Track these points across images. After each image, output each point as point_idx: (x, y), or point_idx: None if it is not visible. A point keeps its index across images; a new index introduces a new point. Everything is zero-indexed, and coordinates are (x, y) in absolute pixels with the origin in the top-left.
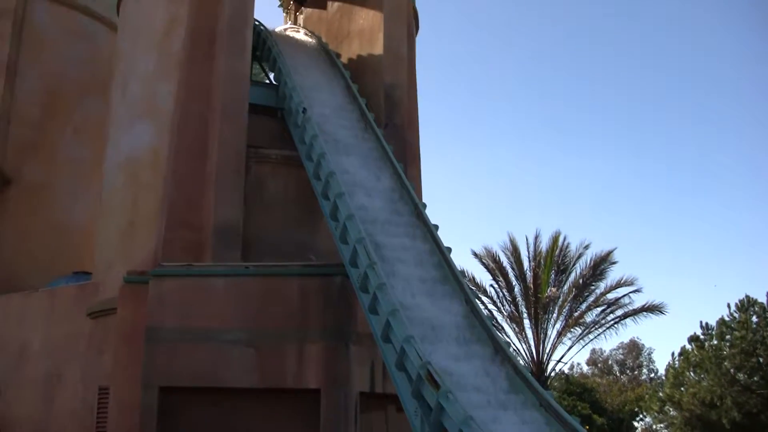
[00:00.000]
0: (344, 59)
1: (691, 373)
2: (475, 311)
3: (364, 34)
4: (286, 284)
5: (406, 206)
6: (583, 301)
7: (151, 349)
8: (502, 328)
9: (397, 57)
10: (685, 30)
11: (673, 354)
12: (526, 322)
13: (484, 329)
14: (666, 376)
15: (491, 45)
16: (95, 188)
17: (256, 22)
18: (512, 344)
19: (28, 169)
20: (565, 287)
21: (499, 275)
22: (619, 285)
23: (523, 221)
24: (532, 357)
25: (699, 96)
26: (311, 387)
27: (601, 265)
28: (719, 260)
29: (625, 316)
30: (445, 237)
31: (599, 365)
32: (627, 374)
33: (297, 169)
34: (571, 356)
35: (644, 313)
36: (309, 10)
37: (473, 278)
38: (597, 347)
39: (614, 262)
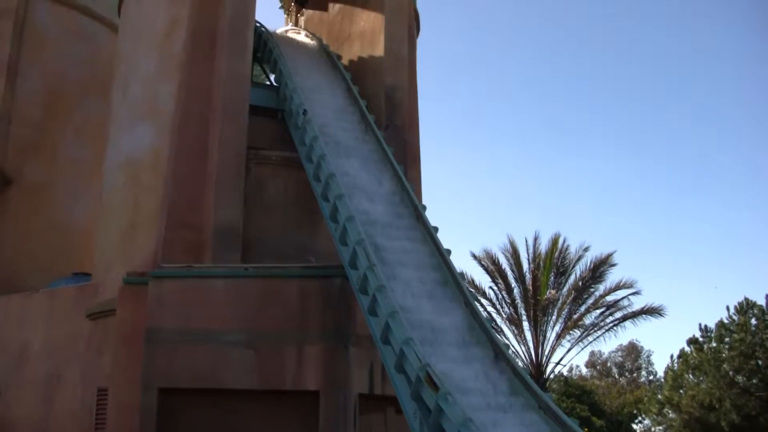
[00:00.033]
0: (345, 61)
1: (690, 376)
2: (474, 314)
3: (365, 35)
4: (286, 286)
5: (406, 209)
6: (582, 303)
7: (151, 351)
8: (502, 330)
9: (398, 58)
10: (685, 30)
11: (672, 356)
12: (525, 325)
13: (483, 332)
14: (665, 378)
15: (492, 46)
16: (96, 189)
17: (257, 24)
18: (511, 346)
19: (28, 169)
20: (565, 289)
21: (499, 277)
22: (618, 287)
23: (523, 223)
24: (531, 359)
25: (699, 96)
26: (310, 389)
27: (600, 267)
28: (718, 262)
29: (624, 318)
30: (445, 239)
31: (598, 367)
32: (626, 376)
33: (297, 171)
34: (570, 358)
35: (643, 315)
36: (310, 11)
37: (472, 281)
38: (596, 349)
39: (613, 264)
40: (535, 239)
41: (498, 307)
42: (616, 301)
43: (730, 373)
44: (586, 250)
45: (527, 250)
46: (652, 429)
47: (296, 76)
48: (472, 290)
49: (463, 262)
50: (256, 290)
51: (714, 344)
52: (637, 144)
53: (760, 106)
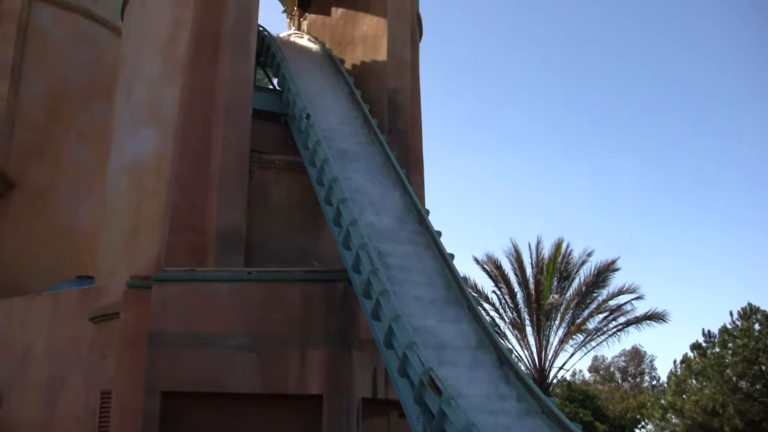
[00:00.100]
0: (348, 65)
1: (693, 381)
2: (478, 319)
3: (368, 39)
4: (289, 290)
5: (409, 213)
6: (586, 308)
7: (154, 354)
8: (505, 335)
9: (401, 62)
10: (688, 32)
11: (675, 361)
12: (529, 329)
13: (487, 337)
14: (668, 383)
15: (495, 49)
16: (99, 192)
17: (260, 28)
18: (514, 351)
19: (32, 173)
20: (568, 294)
21: (502, 282)
22: (621, 292)
23: (526, 226)
24: (535, 364)
25: (702, 101)
26: (313, 393)
27: (604, 272)
28: (722, 268)
29: (628, 323)
30: (449, 243)
31: (601, 372)
32: (629, 381)
33: (300, 175)
34: (573, 363)
35: (647, 321)
36: (313, 15)
37: (475, 285)
38: (599, 354)
39: (617, 269)
40: (538, 244)
41: (501, 311)
42: (619, 306)
43: (734, 378)
44: (589, 255)
45: (530, 255)
46: None
47: (299, 80)
48: (475, 295)
49: (466, 266)
50: (259, 294)
51: (717, 349)
52: (641, 148)
53: (763, 111)
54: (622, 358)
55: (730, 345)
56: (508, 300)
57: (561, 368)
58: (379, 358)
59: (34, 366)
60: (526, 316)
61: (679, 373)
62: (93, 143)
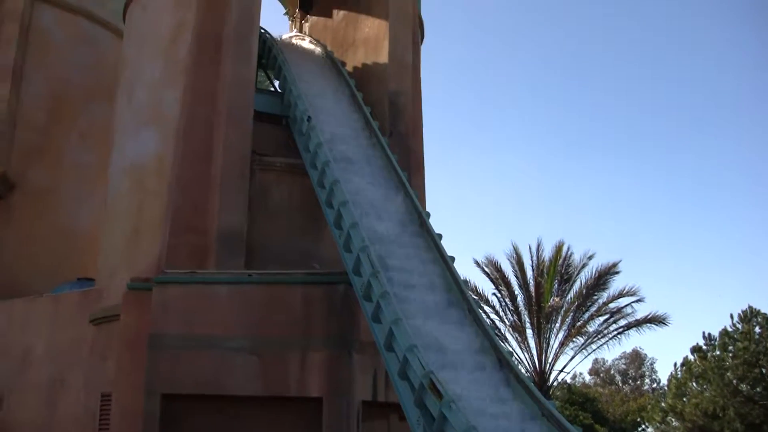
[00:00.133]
0: (349, 67)
1: (694, 384)
2: (478, 322)
3: (370, 42)
4: (290, 292)
5: (410, 216)
6: (586, 311)
7: (154, 356)
8: (505, 337)
9: (402, 65)
10: (688, 31)
11: (675, 364)
12: (529, 332)
13: (487, 339)
14: (668, 386)
15: (496, 51)
16: (100, 194)
17: (262, 30)
18: (515, 354)
19: (33, 174)
20: (569, 297)
21: (502, 284)
22: (621, 295)
23: (527, 228)
24: (535, 366)
25: (702, 103)
26: (314, 395)
27: (605, 275)
28: (722, 270)
29: (628, 326)
30: (449, 245)
31: (601, 375)
32: (629, 384)
33: (301, 177)
34: (573, 366)
35: (647, 324)
36: (314, 18)
37: (476, 287)
38: (599, 357)
39: (617, 272)
40: (539, 246)
41: (501, 314)
42: (620, 309)
43: (734, 381)
44: (590, 258)
45: (531, 257)
46: None
47: (300, 83)
48: (475, 297)
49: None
50: (259, 296)
51: (718, 352)
52: (642, 150)
53: (763, 112)
54: (623, 360)
55: (730, 348)
56: (508, 303)
57: (561, 371)
58: (380, 360)
59: (34, 367)
60: (527, 319)
61: (679, 376)
62: (94, 145)
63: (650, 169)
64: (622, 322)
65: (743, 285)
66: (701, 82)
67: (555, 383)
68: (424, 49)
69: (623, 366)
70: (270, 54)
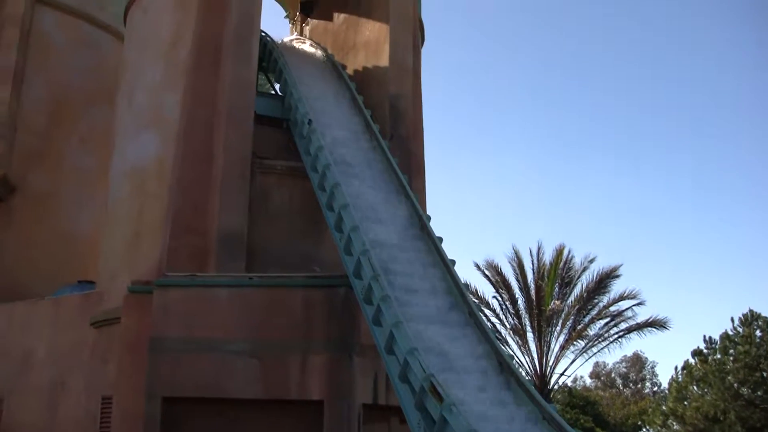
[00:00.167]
0: (350, 70)
1: (695, 387)
2: (479, 325)
3: (370, 45)
4: (290, 295)
5: (411, 219)
6: (587, 314)
7: (155, 359)
8: (506, 341)
9: (403, 68)
10: (688, 31)
11: (676, 368)
12: (530, 335)
13: (488, 343)
14: (669, 389)
15: (497, 54)
16: (100, 197)
17: (263, 33)
18: (515, 357)
19: (33, 178)
20: (569, 300)
21: (503, 287)
22: (622, 298)
23: (528, 231)
24: (536, 370)
25: (703, 106)
26: (314, 398)
27: (605, 279)
28: (723, 274)
29: (629, 330)
30: (450, 248)
31: (602, 378)
32: (630, 388)
33: (302, 180)
34: (574, 369)
35: (648, 327)
36: (315, 21)
37: (476, 291)
38: (600, 360)
39: (618, 276)
40: (539, 249)
41: (502, 317)
42: (620, 312)
43: (735, 385)
44: (591, 261)
45: (532, 261)
46: None
47: (301, 86)
48: (476, 301)
49: (467, 272)
50: (260, 299)
51: (718, 356)
52: (643, 154)
53: (763, 112)
54: (624, 364)
55: (731, 351)
56: (509, 306)
57: (562, 374)
58: (380, 363)
59: (35, 370)
60: (527, 322)
61: (680, 379)
62: (95, 148)
63: (650, 170)
64: (623, 326)
65: (744, 288)
66: (701, 83)
67: (556, 386)
68: (425, 52)
69: (624, 369)
70: (271, 57)
